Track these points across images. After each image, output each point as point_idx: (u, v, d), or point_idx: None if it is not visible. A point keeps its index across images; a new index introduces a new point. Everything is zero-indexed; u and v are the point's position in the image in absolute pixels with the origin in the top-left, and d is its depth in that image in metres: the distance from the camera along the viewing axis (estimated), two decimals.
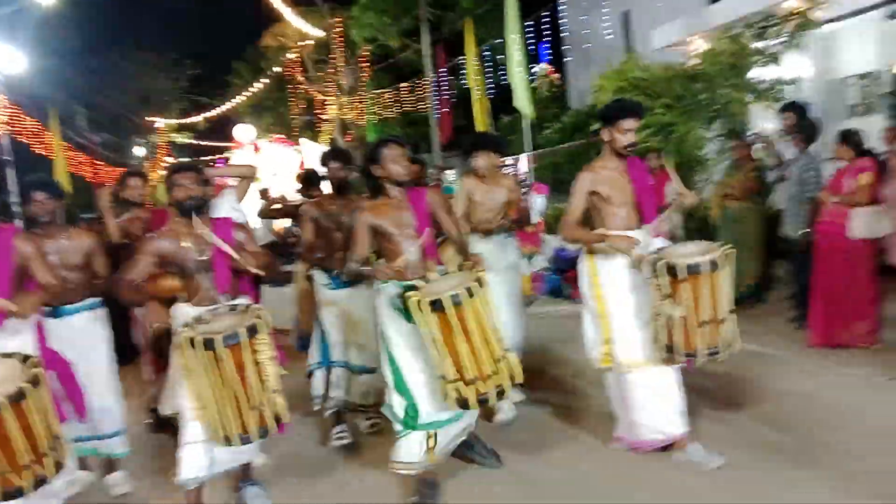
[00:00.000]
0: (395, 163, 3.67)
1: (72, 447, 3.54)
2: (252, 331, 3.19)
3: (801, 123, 5.95)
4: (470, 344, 3.27)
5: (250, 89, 23.03)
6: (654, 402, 3.74)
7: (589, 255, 3.88)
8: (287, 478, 4.14)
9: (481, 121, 13.87)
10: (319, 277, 4.77)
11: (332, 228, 4.60)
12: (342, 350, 4.66)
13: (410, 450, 3.61)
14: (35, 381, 2.99)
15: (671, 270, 3.41)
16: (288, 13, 18.89)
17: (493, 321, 3.40)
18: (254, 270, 3.59)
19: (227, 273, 3.57)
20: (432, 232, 3.80)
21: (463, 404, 3.35)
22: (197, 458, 3.45)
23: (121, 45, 29.07)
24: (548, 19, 15.83)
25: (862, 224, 5.03)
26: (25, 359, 3.14)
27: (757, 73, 8.39)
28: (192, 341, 3.17)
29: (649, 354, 3.70)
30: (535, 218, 8.10)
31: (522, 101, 10.45)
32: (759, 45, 8.25)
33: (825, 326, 5.31)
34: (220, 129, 24.64)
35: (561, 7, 15.97)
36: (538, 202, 8.35)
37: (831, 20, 9.55)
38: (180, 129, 28.58)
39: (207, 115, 25.76)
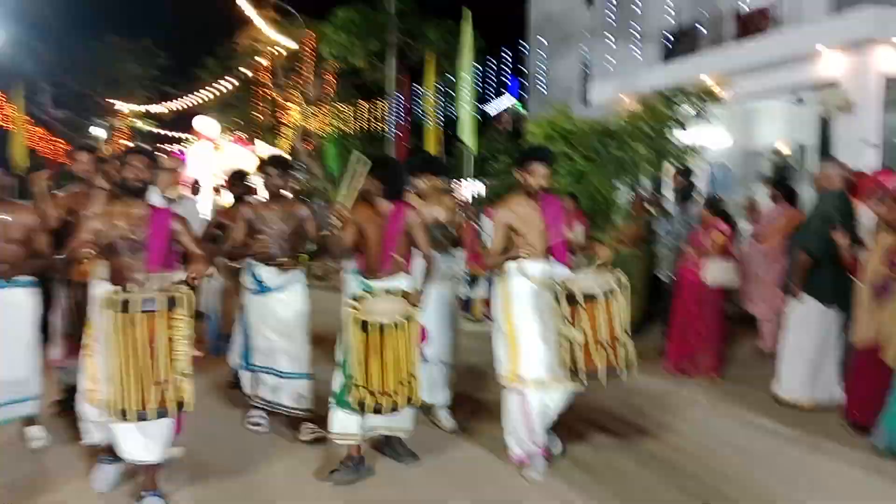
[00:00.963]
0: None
1: None
2: (171, 303, 3.27)
3: (685, 185, 7.00)
4: (381, 363, 3.66)
5: (217, 85, 23.59)
6: (537, 418, 4.06)
7: (503, 280, 4.16)
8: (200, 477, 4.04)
9: (432, 147, 14.84)
10: (247, 278, 4.79)
11: (262, 231, 4.68)
12: (267, 356, 4.71)
13: (343, 422, 3.94)
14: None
15: (570, 297, 3.75)
16: (261, 22, 19.61)
17: (412, 351, 3.77)
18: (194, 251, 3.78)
19: (158, 256, 3.66)
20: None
21: (360, 406, 3.73)
22: (97, 431, 3.72)
23: (96, 27, 29.30)
24: (514, 57, 16.90)
25: (713, 273, 6.02)
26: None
27: (679, 137, 9.48)
28: (110, 301, 3.23)
29: (555, 373, 3.98)
30: (488, 241, 8.56)
31: (467, 134, 11.40)
32: (680, 112, 9.33)
33: (677, 356, 6.27)
34: (183, 121, 25.05)
35: (527, 48, 17.10)
36: (488, 225, 8.76)
37: (751, 99, 10.81)
38: (145, 115, 28.82)
39: (172, 105, 26.17)
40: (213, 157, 16.38)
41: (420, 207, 4.71)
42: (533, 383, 4.02)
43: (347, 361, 3.84)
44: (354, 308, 3.73)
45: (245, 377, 4.88)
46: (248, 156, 16.07)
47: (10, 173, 4.23)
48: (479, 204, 8.96)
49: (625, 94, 11.20)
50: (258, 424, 4.73)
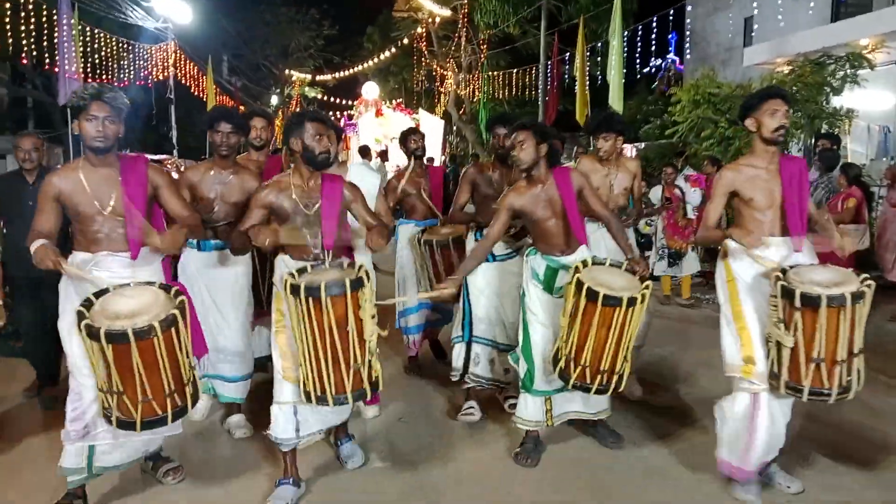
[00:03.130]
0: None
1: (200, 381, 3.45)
2: (357, 284, 3.05)
3: (830, 152, 7.12)
4: (605, 337, 3.29)
5: (379, 55, 25.02)
6: (772, 428, 3.36)
7: (725, 260, 3.47)
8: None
9: (581, 110, 15.26)
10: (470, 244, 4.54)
11: (486, 195, 4.51)
12: (487, 327, 4.46)
13: (530, 410, 3.79)
14: (182, 310, 2.93)
15: (788, 294, 3.05)
16: None
17: (635, 331, 3.37)
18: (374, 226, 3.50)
19: (333, 230, 3.39)
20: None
21: (562, 377, 3.49)
22: (287, 418, 3.39)
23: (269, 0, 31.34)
24: (674, 16, 16.54)
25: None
26: (166, 288, 3.05)
27: (836, 100, 9.33)
28: (294, 288, 3.02)
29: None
30: (691, 212, 7.79)
31: (615, 99, 11.79)
32: (834, 75, 9.19)
33: None
34: (348, 88, 26.83)
35: (687, 5, 16.78)
36: (694, 195, 7.79)
37: None
38: (312, 83, 30.95)
39: (338, 74, 28.01)
40: (376, 124, 17.65)
41: (598, 172, 4.41)
42: (762, 376, 3.30)
43: (530, 341, 3.71)
44: (578, 273, 3.39)
45: (457, 351, 4.55)
46: (409, 123, 17.17)
47: (240, 131, 4.03)
48: (680, 170, 8.16)
49: (781, 56, 11.01)
50: (470, 414, 4.42)
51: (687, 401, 4.76)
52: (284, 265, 3.40)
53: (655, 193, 7.98)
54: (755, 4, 15.33)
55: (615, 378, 3.43)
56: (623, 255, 3.69)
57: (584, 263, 3.52)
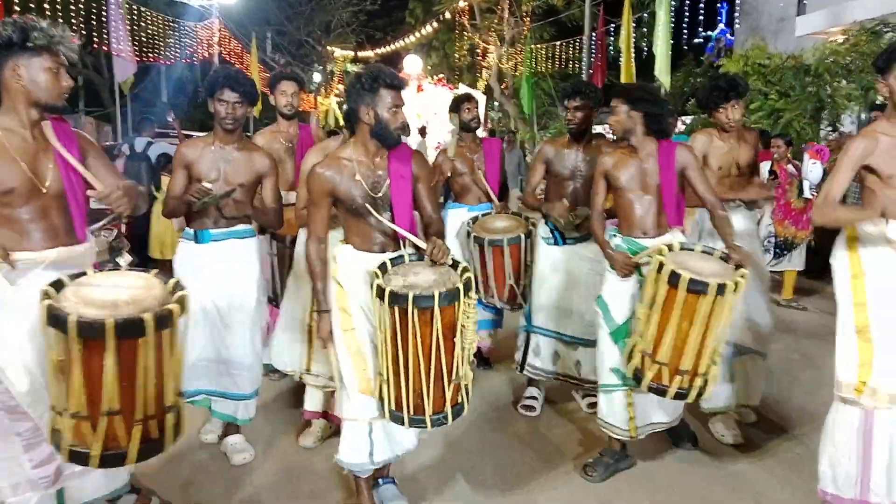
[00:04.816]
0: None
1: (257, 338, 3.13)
2: (468, 288, 2.65)
3: None
4: (688, 331, 2.95)
5: (422, 30, 24.85)
6: (880, 449, 2.83)
7: (852, 249, 2.91)
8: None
9: (627, 83, 14.94)
10: (541, 229, 4.19)
11: (559, 175, 4.16)
12: (549, 317, 4.13)
13: (613, 409, 3.43)
14: (182, 305, 2.30)
15: None
16: None
17: (725, 326, 3.01)
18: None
19: (407, 214, 2.95)
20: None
21: (635, 378, 3.18)
22: (362, 440, 2.94)
23: None
24: None
25: None
26: (163, 279, 2.45)
27: None
28: (394, 297, 2.58)
29: None
30: (808, 192, 6.59)
31: (661, 71, 11.51)
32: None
33: None
34: (390, 64, 26.72)
35: None
36: (814, 170, 6.46)
37: None
38: (354, 60, 30.96)
39: (379, 49, 27.94)
40: (416, 100, 17.58)
41: (718, 148, 3.89)
42: (889, 399, 2.80)
43: (634, 322, 3.22)
44: (661, 255, 3.05)
45: (520, 339, 4.33)
46: (450, 98, 17.06)
47: (250, 100, 3.50)
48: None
49: (836, 25, 10.60)
50: (529, 407, 4.25)
51: (777, 410, 4.32)
52: (344, 257, 2.98)
53: (763, 170, 6.65)
54: None
55: (698, 381, 3.02)
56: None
57: (670, 247, 3.19)
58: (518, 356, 4.29)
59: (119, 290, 2.26)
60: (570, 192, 4.05)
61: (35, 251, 2.44)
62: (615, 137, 3.43)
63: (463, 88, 18.85)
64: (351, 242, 3.00)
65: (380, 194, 2.92)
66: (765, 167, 6.96)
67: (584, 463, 3.60)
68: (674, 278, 2.91)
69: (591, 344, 3.93)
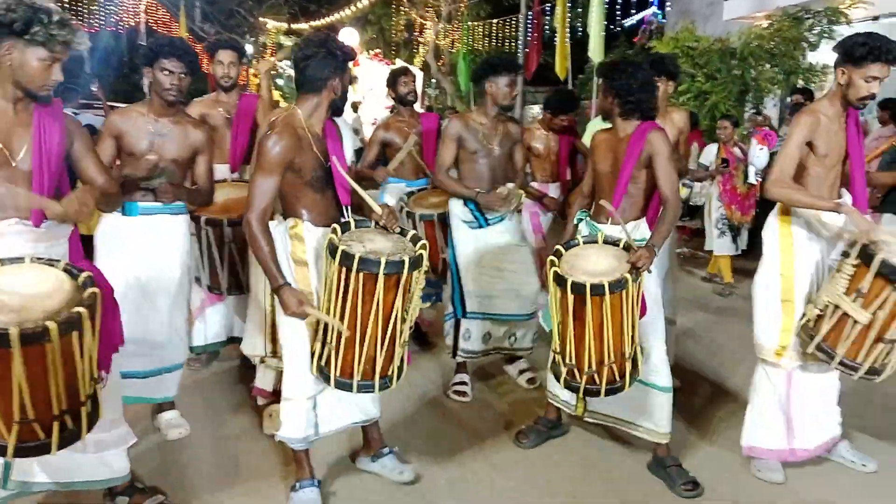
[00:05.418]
0: None
1: (120, 389, 2.90)
2: (416, 263, 2.70)
3: (802, 107, 7.17)
4: (591, 333, 2.92)
5: (358, 3, 24.48)
6: (820, 403, 3.24)
7: (785, 222, 3.12)
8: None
9: (562, 63, 15.13)
10: (459, 211, 4.10)
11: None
12: (480, 301, 4.11)
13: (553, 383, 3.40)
14: (91, 308, 2.23)
15: (890, 271, 2.72)
16: None
17: (633, 319, 2.96)
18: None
19: (345, 181, 2.95)
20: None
21: (567, 387, 3.16)
22: (307, 415, 2.93)
23: None
24: None
25: None
26: (72, 273, 2.32)
27: (814, 58, 9.31)
28: (365, 262, 2.59)
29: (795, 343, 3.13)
30: (753, 177, 6.64)
31: (595, 52, 11.72)
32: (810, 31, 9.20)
33: None
34: None
35: None
36: (760, 156, 6.42)
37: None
38: (288, 32, 30.30)
39: (315, 23, 27.39)
40: (355, 73, 17.31)
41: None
42: (799, 356, 3.16)
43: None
44: (552, 263, 3.03)
45: (449, 328, 4.31)
46: (386, 73, 16.92)
47: (192, 71, 3.39)
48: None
49: (761, 10, 10.98)
50: (460, 392, 4.25)
51: (728, 387, 4.48)
52: (310, 235, 2.91)
53: (709, 154, 7.00)
54: None
55: (628, 365, 2.98)
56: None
57: (565, 247, 3.14)
58: (449, 341, 4.28)
59: (27, 287, 2.18)
60: (487, 169, 4.02)
61: None
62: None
63: (399, 64, 18.69)
64: (306, 219, 2.93)
65: (327, 165, 2.91)
66: (711, 150, 7.07)
67: (516, 430, 3.71)
68: (559, 280, 2.94)
69: (526, 318, 4.16)
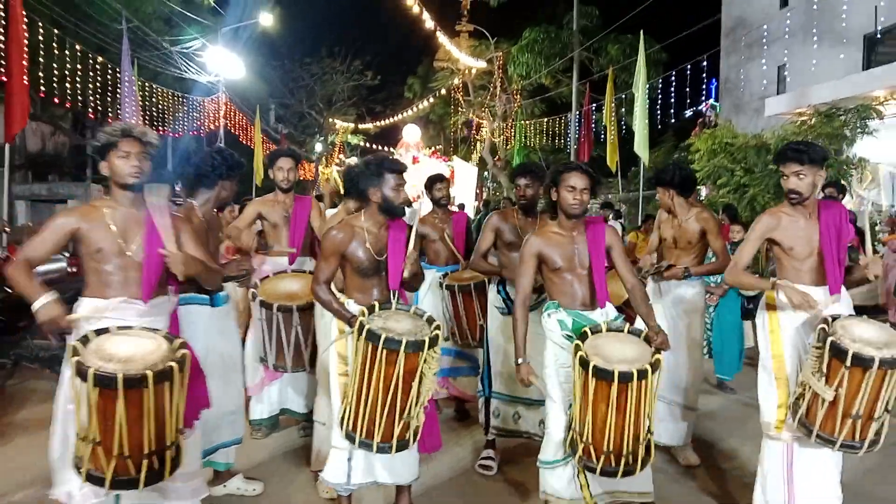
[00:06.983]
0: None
1: (200, 446, 3.24)
2: (434, 342, 3.06)
3: (831, 200, 7.47)
4: (616, 418, 3.01)
5: (419, 104, 26.00)
6: (819, 475, 3.37)
7: (771, 311, 3.44)
8: None
9: (612, 157, 15.77)
10: (492, 297, 4.45)
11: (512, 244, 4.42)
12: (506, 383, 4.30)
13: (558, 481, 3.43)
14: (181, 364, 2.67)
15: (838, 352, 2.93)
16: (452, 47, 21.62)
17: (652, 403, 3.09)
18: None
19: (399, 272, 3.37)
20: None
21: (583, 466, 3.24)
22: (341, 464, 3.33)
23: (315, 53, 32.51)
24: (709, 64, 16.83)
25: None
26: (170, 339, 2.81)
27: (851, 150, 9.58)
28: (371, 335, 3.00)
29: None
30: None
31: (640, 146, 12.27)
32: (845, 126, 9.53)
33: None
34: (389, 136, 27.82)
35: (720, 53, 17.13)
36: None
37: None
38: (355, 132, 32.06)
39: (380, 122, 29.07)
40: (412, 170, 18.20)
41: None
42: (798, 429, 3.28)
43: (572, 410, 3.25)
44: (577, 348, 3.13)
45: (481, 405, 4.51)
46: (443, 170, 17.86)
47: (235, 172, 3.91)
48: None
49: (799, 107, 11.41)
50: (486, 467, 4.34)
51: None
52: (351, 309, 3.33)
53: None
54: (786, 52, 15.54)
55: (641, 448, 3.11)
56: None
57: (591, 331, 3.28)
58: (481, 418, 4.54)
59: (132, 345, 2.68)
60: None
61: (105, 299, 2.93)
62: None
63: (457, 161, 19.65)
64: (352, 297, 3.42)
65: (383, 258, 3.39)
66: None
67: None
68: (584, 364, 3.03)
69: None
